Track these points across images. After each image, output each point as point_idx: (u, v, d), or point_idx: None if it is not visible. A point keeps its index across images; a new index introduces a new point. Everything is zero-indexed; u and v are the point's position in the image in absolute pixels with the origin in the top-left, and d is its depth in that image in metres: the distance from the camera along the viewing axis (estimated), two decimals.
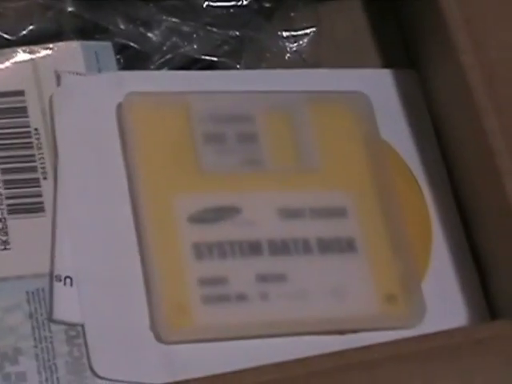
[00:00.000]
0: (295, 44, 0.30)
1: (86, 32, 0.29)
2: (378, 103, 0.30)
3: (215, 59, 0.29)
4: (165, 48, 0.29)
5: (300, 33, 0.29)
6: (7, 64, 0.28)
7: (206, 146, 0.27)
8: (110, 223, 0.26)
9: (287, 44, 0.30)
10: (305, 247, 0.27)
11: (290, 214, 0.27)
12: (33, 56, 0.28)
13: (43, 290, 0.25)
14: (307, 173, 0.29)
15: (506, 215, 0.27)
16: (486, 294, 0.30)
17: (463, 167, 0.30)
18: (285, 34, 0.30)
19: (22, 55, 0.28)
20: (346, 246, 0.27)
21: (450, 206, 0.30)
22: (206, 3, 0.29)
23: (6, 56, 0.28)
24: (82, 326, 0.25)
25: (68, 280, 0.25)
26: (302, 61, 0.31)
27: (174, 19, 0.28)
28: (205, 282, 0.25)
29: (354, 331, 0.27)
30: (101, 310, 0.26)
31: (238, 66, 0.30)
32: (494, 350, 0.27)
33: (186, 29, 0.29)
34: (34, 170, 0.26)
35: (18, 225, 0.26)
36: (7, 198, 0.26)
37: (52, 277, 0.25)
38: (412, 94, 0.32)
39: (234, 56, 0.29)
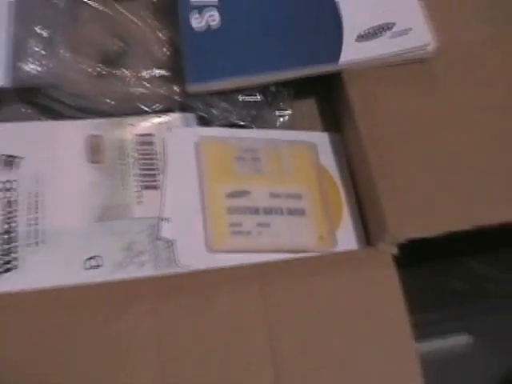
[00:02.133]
0: (281, 118, 0.49)
1: (183, 108, 0.48)
2: (321, 148, 0.48)
3: (243, 123, 0.48)
4: (220, 117, 0.48)
5: (284, 113, 0.50)
6: (148, 122, 0.47)
7: (236, 163, 0.46)
8: (190, 196, 0.44)
9: (278, 118, 0.49)
10: (281, 212, 0.45)
11: (274, 195, 0.45)
12: (159, 119, 0.48)
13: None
14: (285, 176, 0.46)
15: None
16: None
17: (361, 184, 0.47)
18: (277, 113, 0.49)
19: (154, 118, 0.47)
20: (300, 212, 0.45)
21: (351, 195, 0.47)
22: (241, 97, 0.50)
23: (147, 118, 0.47)
24: (174, 241, 0.43)
25: (167, 220, 0.44)
26: (284, 126, 0.49)
27: (224, 104, 0.49)
28: (231, 223, 0.45)
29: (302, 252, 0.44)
30: (182, 233, 0.43)
31: (253, 127, 0.48)
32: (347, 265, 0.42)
33: (230, 108, 0.50)
34: (155, 169, 0.46)
35: (148, 193, 0.45)
36: (142, 182, 0.46)
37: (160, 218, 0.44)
38: (338, 145, 0.49)
39: (252, 122, 0.48)
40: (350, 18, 0.48)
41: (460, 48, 0.49)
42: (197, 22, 0.48)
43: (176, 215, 0.44)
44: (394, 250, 0.42)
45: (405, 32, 0.48)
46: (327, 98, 0.51)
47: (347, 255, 0.44)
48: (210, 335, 0.39)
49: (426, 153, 0.45)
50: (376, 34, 0.48)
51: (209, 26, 0.48)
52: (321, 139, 0.49)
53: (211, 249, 0.43)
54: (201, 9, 0.48)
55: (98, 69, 0.50)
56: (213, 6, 0.49)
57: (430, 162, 0.44)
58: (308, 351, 0.39)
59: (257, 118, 0.49)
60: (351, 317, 0.41)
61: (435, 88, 0.48)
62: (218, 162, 0.46)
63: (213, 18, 0.48)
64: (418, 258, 0.45)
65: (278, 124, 0.50)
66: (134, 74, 0.50)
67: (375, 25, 0.48)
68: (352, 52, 0.47)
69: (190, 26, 0.48)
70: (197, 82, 0.47)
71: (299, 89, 0.50)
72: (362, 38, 0.48)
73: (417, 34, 0.48)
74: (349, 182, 0.48)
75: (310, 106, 0.51)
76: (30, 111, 0.49)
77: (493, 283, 0.48)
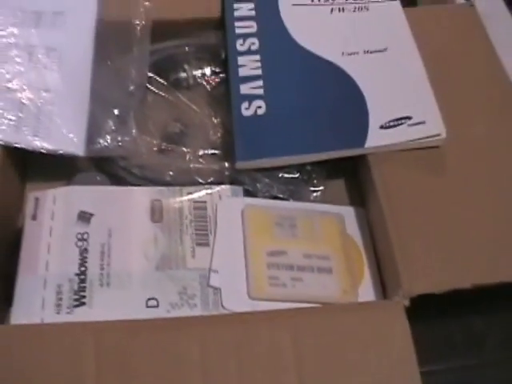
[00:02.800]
0: (315, 193, 0.59)
1: (232, 182, 0.58)
2: (348, 219, 0.58)
3: (282, 196, 0.57)
4: (263, 190, 0.57)
5: (317, 189, 0.60)
6: (202, 192, 0.56)
7: (276, 227, 0.55)
8: (235, 253, 0.55)
9: (312, 193, 0.59)
10: (311, 269, 0.54)
11: (307, 256, 0.55)
12: (211, 190, 0.57)
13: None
14: (316, 240, 0.55)
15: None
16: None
17: (381, 248, 0.55)
18: (311, 188, 0.59)
19: (208, 189, 0.57)
20: (327, 270, 0.54)
21: (372, 258, 0.55)
22: (281, 174, 0.60)
23: (201, 189, 0.56)
24: (220, 288, 0.52)
25: (215, 271, 0.53)
26: (317, 200, 0.58)
27: (267, 179, 0.59)
28: (270, 276, 0.55)
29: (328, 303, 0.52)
30: (228, 282, 0.52)
31: (291, 200, 0.57)
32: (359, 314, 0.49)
33: (272, 183, 0.59)
34: (207, 230, 0.55)
35: (200, 249, 0.54)
36: (196, 239, 0.55)
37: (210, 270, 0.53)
38: (363, 218, 0.58)
39: (290, 195, 0.57)
40: (374, 110, 0.58)
41: (467, 137, 0.58)
42: (246, 109, 0.59)
43: (223, 268, 0.53)
44: (407, 302, 0.50)
45: (420, 123, 0.58)
46: (355, 177, 0.61)
47: (366, 305, 0.52)
48: (248, 365, 0.47)
49: (435, 223, 0.54)
50: (396, 124, 0.58)
51: (256, 113, 0.58)
52: (347, 212, 0.58)
53: (251, 296, 0.52)
54: (250, 99, 0.59)
55: (162, 146, 0.60)
56: (260, 96, 0.59)
57: (438, 230, 0.53)
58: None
59: (294, 192, 0.58)
60: (365, 359, 0.48)
61: (445, 170, 0.57)
62: (260, 226, 0.55)
63: (259, 106, 0.59)
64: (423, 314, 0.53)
65: (311, 198, 0.59)
66: (192, 151, 0.60)
67: (395, 117, 0.58)
68: (376, 139, 0.57)
69: (240, 113, 0.58)
70: (245, 160, 0.57)
71: (331, 168, 0.59)
72: (384, 127, 0.58)
73: (431, 125, 0.57)
74: (370, 247, 0.57)
75: (339, 183, 0.61)
76: (102, 178, 0.59)
77: (492, 339, 0.56)
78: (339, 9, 0.65)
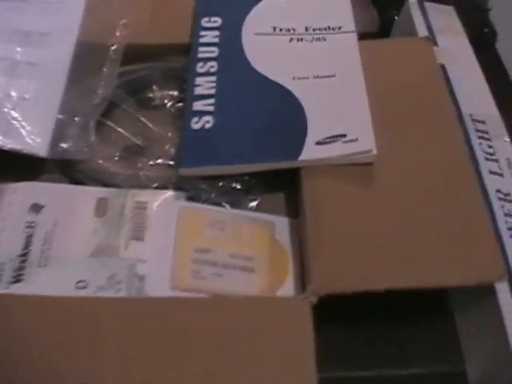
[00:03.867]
0: (252, 203, 0.64)
1: (177, 189, 0.66)
2: (279, 227, 0.65)
3: (220, 203, 0.65)
4: (203, 198, 0.65)
5: (255, 198, 0.65)
6: (146, 194, 0.66)
7: (207, 228, 0.62)
8: (165, 247, 0.62)
9: (249, 202, 0.64)
10: (234, 267, 0.60)
11: (232, 255, 0.61)
12: (155, 193, 0.66)
13: None
14: (243, 243, 0.59)
15: None
16: None
17: (303, 251, 0.62)
18: (249, 197, 0.65)
19: (152, 192, 0.66)
20: (250, 270, 0.58)
21: (298, 264, 0.59)
22: (221, 183, 0.65)
23: (146, 191, 0.67)
24: (145, 276, 0.61)
25: (143, 261, 0.62)
26: (253, 209, 0.64)
27: (208, 187, 0.65)
28: (193, 270, 0.61)
29: None
30: (153, 272, 0.61)
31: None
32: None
33: (212, 191, 0.65)
34: (143, 227, 0.63)
35: (134, 243, 0.62)
36: (132, 233, 0.63)
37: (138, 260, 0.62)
38: (295, 228, 0.62)
39: (230, 204, 0.62)
40: (313, 128, 0.64)
41: (397, 152, 0.63)
42: (195, 123, 0.65)
43: (150, 258, 0.59)
44: (314, 300, 0.55)
45: (354, 140, 0.63)
46: (292, 189, 0.65)
47: (271, 300, 0.57)
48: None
49: (356, 231, 0.58)
50: (331, 141, 0.63)
51: (203, 126, 0.65)
52: (280, 221, 0.63)
53: (173, 285, 0.58)
54: (200, 115, 0.66)
55: (121, 155, 0.68)
56: (209, 112, 0.66)
57: (358, 237, 0.57)
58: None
59: (232, 201, 0.64)
60: (259, 352, 0.52)
61: (375, 185, 0.61)
62: (191, 226, 0.61)
63: (208, 121, 0.66)
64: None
65: (248, 207, 0.64)
66: (145, 161, 0.67)
67: (331, 134, 0.64)
68: (310, 153, 0.62)
69: (189, 126, 0.65)
70: (187, 167, 0.63)
71: (271, 180, 0.65)
72: (320, 143, 0.63)
73: (363, 142, 0.63)
74: (298, 254, 0.61)
75: (278, 195, 0.66)
76: (63, 180, 0.66)
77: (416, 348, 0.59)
78: (298, 39, 0.72)
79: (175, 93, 0.73)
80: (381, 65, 0.70)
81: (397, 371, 0.59)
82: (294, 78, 0.68)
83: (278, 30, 0.73)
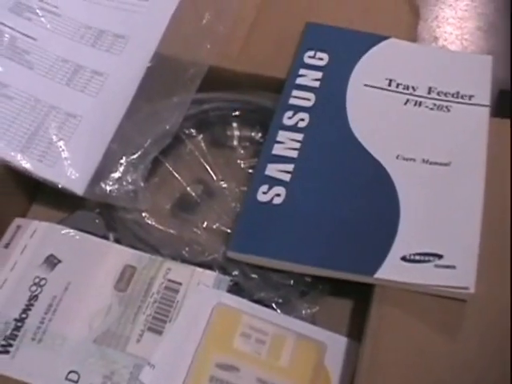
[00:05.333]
0: (309, 310, 0.52)
1: (222, 269, 0.53)
2: (332, 349, 0.50)
3: (269, 303, 0.52)
4: (252, 290, 0.52)
5: (313, 306, 0.53)
6: (183, 271, 0.52)
7: (239, 337, 0.49)
8: (183, 352, 0.51)
9: (306, 309, 0.52)
10: None
11: (261, 381, 0.50)
12: (194, 271, 0.52)
13: None
14: (280, 366, 0.49)
15: None
16: None
17: None
18: (305, 304, 0.52)
19: (190, 269, 0.52)
20: None
21: None
22: (275, 277, 0.54)
23: (184, 267, 0.52)
24: None
25: (152, 366, 0.51)
26: (308, 319, 0.51)
27: (258, 279, 0.53)
28: None
29: None
30: (161, 382, 0.51)
31: (279, 310, 0.51)
32: None
33: (262, 284, 0.53)
34: (167, 316, 0.50)
35: (149, 335, 0.52)
36: (150, 323, 0.52)
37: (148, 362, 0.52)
38: (353, 353, 0.49)
39: (279, 304, 0.51)
40: (403, 236, 0.51)
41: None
42: (263, 194, 0.54)
43: (162, 364, 0.49)
44: None
45: (451, 267, 0.49)
46: (363, 304, 0.53)
47: None
48: None
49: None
50: (421, 260, 0.50)
51: (272, 200, 0.53)
52: (335, 340, 0.51)
53: None
54: (271, 183, 0.54)
55: (169, 207, 0.57)
56: (283, 182, 0.54)
57: None
58: None
59: (284, 302, 0.53)
60: None
61: (459, 328, 0.49)
62: (222, 330, 0.51)
63: (278, 194, 0.54)
64: None
65: (302, 314, 0.52)
66: (198, 220, 0.56)
67: (423, 251, 0.50)
68: (391, 270, 0.50)
69: (255, 195, 0.54)
70: (237, 252, 0.52)
71: (338, 286, 0.53)
72: (407, 260, 0.50)
73: (461, 274, 0.49)
74: None
75: (342, 306, 0.53)
76: (99, 222, 0.57)
77: None
78: (416, 102, 0.58)
79: (258, 135, 0.60)
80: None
81: None
82: (398, 157, 0.55)
83: (394, 85, 0.59)
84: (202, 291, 0.53)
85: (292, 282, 0.53)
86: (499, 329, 0.49)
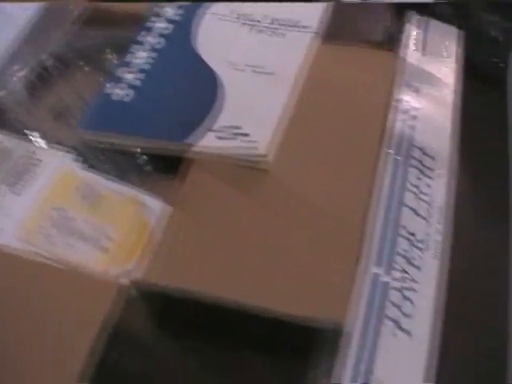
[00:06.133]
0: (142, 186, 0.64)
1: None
2: (154, 209, 0.63)
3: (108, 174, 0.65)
4: (95, 164, 0.66)
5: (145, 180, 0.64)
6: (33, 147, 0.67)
7: (75, 190, 0.62)
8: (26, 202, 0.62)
9: (139, 182, 0.64)
10: (80, 236, 0.60)
11: (86, 221, 0.61)
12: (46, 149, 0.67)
13: None
14: (104, 213, 0.62)
15: None
16: None
17: None
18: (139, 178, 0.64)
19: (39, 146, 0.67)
20: (95, 240, 0.59)
21: None
22: (116, 156, 0.65)
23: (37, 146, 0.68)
24: None
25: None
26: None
27: (102, 156, 0.65)
28: (40, 226, 0.60)
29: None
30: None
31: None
32: None
33: (105, 161, 0.65)
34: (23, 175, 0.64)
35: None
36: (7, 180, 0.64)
37: None
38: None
39: (118, 177, 0.64)
40: (216, 113, 0.62)
41: (300, 165, 0.60)
42: (111, 88, 0.65)
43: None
44: (125, 282, 0.52)
45: (252, 142, 0.60)
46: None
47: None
48: None
49: (217, 233, 0.56)
50: (225, 132, 0.60)
51: (118, 94, 0.65)
52: (156, 205, 0.60)
53: (17, 237, 0.57)
54: (121, 82, 0.66)
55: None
56: (132, 86, 0.65)
57: (216, 240, 0.55)
58: None
59: (123, 177, 0.62)
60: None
61: (261, 191, 0.58)
62: (64, 186, 0.61)
63: (128, 94, 0.65)
64: None
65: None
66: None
67: (229, 125, 0.61)
68: (197, 138, 0.60)
69: (104, 89, 0.65)
70: (83, 128, 0.63)
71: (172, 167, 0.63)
72: (213, 131, 0.61)
73: (260, 145, 0.59)
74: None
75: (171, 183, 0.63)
76: None
77: None
78: (258, 30, 0.70)
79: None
80: (332, 71, 0.66)
81: None
82: (228, 65, 0.66)
83: (241, 19, 0.71)
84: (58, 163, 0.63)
85: (131, 160, 0.63)
86: (299, 195, 0.58)
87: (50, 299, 0.52)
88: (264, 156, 0.58)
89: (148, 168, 0.63)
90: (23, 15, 0.73)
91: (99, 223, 0.58)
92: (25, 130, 0.67)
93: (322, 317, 0.50)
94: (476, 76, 0.72)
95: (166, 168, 0.63)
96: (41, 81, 0.71)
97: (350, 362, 0.50)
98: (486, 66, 0.74)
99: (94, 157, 0.64)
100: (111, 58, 0.73)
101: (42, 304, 0.52)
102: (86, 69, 0.73)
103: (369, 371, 0.50)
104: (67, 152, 0.64)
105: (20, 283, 0.53)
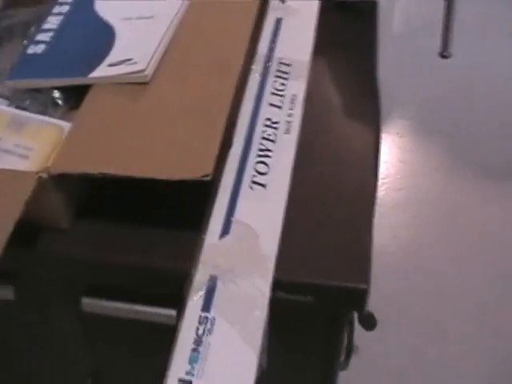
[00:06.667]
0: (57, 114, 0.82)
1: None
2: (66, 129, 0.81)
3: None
4: (22, 106, 0.83)
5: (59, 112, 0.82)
6: None
7: (6, 123, 0.80)
8: None
9: (54, 114, 0.82)
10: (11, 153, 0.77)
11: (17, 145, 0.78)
12: None
13: None
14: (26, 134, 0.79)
15: None
16: None
17: None
18: (53, 110, 0.82)
19: None
20: (24, 155, 0.77)
21: None
22: (38, 98, 0.83)
23: None
24: None
25: None
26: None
27: (27, 101, 0.82)
28: None
29: None
30: None
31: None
32: None
33: (27, 102, 0.83)
34: None
35: None
36: None
37: None
38: None
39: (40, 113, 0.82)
40: (113, 54, 0.79)
41: (176, 81, 0.76)
42: (31, 49, 0.83)
43: None
44: (44, 176, 0.69)
45: (134, 63, 0.77)
46: None
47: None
48: None
49: (113, 130, 0.72)
50: (119, 64, 0.78)
51: (36, 52, 0.83)
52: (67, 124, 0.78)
53: None
54: (37, 44, 0.84)
55: None
56: (45, 42, 0.83)
57: (111, 135, 0.72)
58: None
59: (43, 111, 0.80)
60: None
61: (144, 99, 0.75)
62: None
63: (41, 48, 0.83)
64: None
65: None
66: None
67: (123, 59, 0.78)
68: (99, 72, 0.78)
69: (26, 51, 0.83)
70: (12, 79, 0.81)
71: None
72: (111, 65, 0.78)
73: (140, 65, 0.77)
74: None
75: None
76: None
77: None
78: None
79: None
80: (203, 15, 0.84)
81: None
82: (121, 19, 0.84)
83: None
84: None
85: (47, 98, 0.81)
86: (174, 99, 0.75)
87: None
88: (143, 71, 0.75)
89: (61, 101, 0.80)
90: None
91: (21, 141, 0.75)
92: None
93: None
94: (351, 10, 0.90)
95: (75, 99, 0.80)
96: None
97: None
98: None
99: (20, 99, 0.81)
100: (34, 30, 0.90)
101: None
102: (16, 40, 0.90)
103: (230, 214, 0.67)
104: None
105: None
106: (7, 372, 0.96)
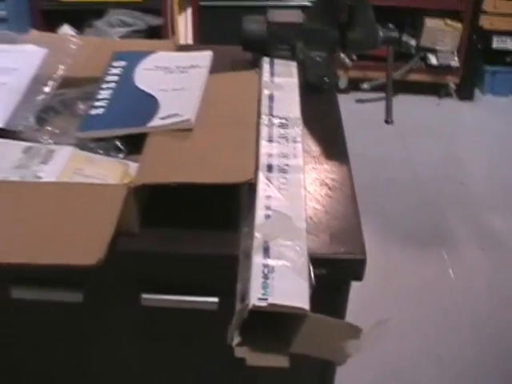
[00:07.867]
0: (120, 156, 1.11)
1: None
2: (132, 168, 1.09)
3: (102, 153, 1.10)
4: (93, 150, 1.12)
5: (123, 155, 1.11)
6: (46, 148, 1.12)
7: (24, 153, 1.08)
8: None
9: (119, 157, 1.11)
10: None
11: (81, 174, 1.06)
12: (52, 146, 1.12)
13: None
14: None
15: None
16: None
17: None
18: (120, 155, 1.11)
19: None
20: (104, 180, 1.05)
21: None
22: (102, 144, 1.11)
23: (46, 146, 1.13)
24: None
25: None
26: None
27: (91, 144, 1.11)
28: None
29: None
30: None
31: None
32: None
33: (97, 147, 1.12)
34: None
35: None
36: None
37: None
38: None
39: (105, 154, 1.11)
40: (161, 111, 1.11)
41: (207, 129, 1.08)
42: (93, 112, 1.13)
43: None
44: (131, 185, 0.98)
45: (181, 116, 1.09)
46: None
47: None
48: None
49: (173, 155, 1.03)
50: (169, 117, 1.09)
51: (97, 114, 1.13)
52: (133, 164, 1.08)
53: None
54: (97, 109, 1.14)
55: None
56: (103, 107, 1.14)
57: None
58: None
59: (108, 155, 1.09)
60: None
61: (190, 140, 1.06)
62: (75, 161, 1.06)
63: (100, 112, 1.13)
64: None
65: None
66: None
67: (170, 113, 1.10)
68: (154, 123, 1.08)
69: (90, 113, 1.13)
70: (82, 132, 1.10)
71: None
72: (162, 118, 1.09)
73: (186, 117, 1.08)
74: None
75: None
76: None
77: None
78: (170, 72, 1.21)
79: None
80: (218, 85, 1.17)
81: None
82: (160, 90, 1.16)
83: (161, 68, 1.22)
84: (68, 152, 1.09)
85: (110, 144, 1.10)
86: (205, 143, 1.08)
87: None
88: (188, 120, 1.07)
89: (123, 146, 1.10)
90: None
91: (99, 171, 1.03)
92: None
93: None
94: (313, 90, 1.26)
95: (133, 146, 1.10)
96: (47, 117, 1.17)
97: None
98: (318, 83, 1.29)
99: (88, 147, 1.10)
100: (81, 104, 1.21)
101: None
102: (66, 111, 1.20)
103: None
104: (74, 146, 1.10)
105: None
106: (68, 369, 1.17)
